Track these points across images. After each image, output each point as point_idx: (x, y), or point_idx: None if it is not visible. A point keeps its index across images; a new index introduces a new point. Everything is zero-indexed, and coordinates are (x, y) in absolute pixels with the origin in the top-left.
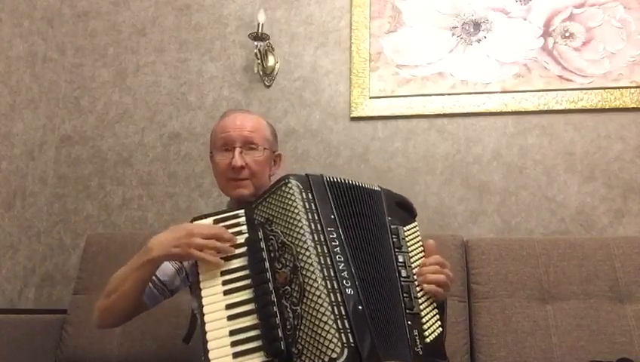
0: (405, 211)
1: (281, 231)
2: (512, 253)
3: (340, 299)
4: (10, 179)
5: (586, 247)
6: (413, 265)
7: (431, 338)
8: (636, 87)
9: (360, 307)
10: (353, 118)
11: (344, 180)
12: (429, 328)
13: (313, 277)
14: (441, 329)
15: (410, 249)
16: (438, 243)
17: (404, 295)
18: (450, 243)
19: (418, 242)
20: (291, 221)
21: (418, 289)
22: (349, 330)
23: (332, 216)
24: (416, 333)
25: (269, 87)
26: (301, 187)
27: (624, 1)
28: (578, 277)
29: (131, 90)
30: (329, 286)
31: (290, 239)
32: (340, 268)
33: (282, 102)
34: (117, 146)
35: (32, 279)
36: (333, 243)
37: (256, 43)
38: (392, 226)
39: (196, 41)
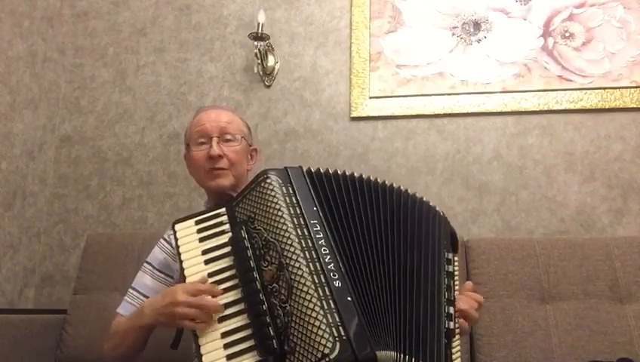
0: (451, 243)
1: (265, 229)
2: (512, 253)
3: (328, 293)
4: (10, 179)
5: (586, 247)
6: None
7: None
8: (636, 87)
9: (349, 298)
10: (353, 118)
11: (325, 170)
12: (455, 352)
13: (300, 273)
14: (460, 360)
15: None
16: None
17: (447, 314)
18: None
19: (456, 275)
20: (274, 217)
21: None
22: (339, 323)
23: (314, 208)
24: (449, 353)
25: (269, 87)
26: (281, 181)
27: (624, 1)
28: (578, 277)
29: (131, 90)
30: (316, 281)
31: (273, 236)
32: (327, 260)
33: (282, 102)
34: (117, 146)
35: (32, 279)
36: (318, 236)
37: (256, 43)
38: (445, 251)
39: (196, 41)
